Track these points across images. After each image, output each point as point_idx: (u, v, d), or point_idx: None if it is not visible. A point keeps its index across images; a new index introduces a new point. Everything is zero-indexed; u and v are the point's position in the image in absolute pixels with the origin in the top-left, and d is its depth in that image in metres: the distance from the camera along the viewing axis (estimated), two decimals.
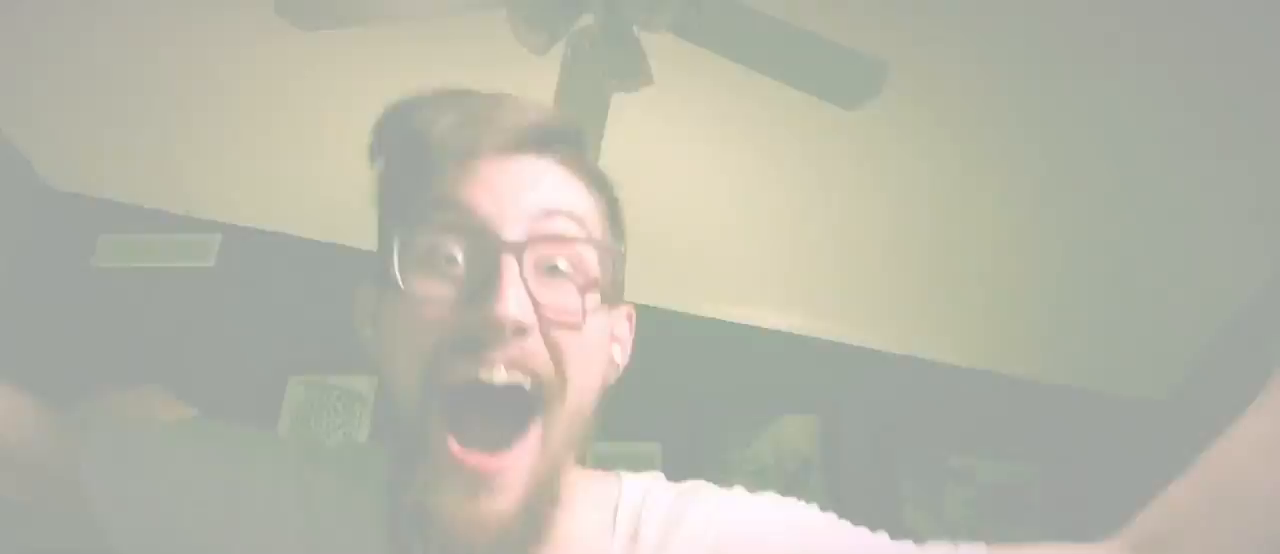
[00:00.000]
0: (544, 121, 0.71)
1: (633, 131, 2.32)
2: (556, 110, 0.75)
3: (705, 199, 2.80)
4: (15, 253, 3.34)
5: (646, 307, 3.57)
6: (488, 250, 0.63)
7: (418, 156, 0.70)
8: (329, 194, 3.08)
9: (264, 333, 3.20)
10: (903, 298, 2.95)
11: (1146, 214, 2.41)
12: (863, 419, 3.02)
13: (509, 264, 0.62)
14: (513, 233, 0.64)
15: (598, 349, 0.69)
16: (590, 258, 0.67)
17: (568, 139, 0.72)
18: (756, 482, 0.92)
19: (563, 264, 0.65)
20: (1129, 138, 2.22)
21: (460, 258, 0.65)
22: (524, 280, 0.63)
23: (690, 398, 3.08)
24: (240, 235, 3.36)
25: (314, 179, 3.01)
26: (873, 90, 1.93)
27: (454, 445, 0.61)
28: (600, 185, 0.73)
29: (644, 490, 0.77)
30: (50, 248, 3.34)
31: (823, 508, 0.81)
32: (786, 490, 0.85)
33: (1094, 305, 2.72)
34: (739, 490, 0.81)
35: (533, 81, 2.11)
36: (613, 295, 0.73)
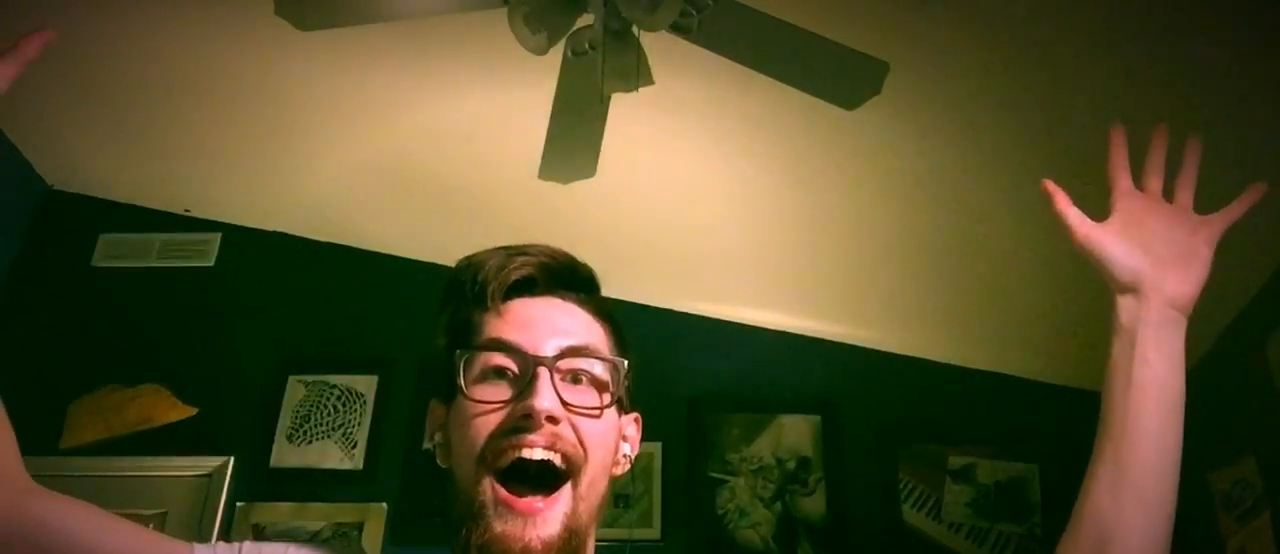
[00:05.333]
0: (563, 269, 0.95)
1: (632, 131, 2.32)
2: (573, 258, 0.98)
3: (704, 199, 2.80)
4: (16, 252, 3.34)
5: (647, 306, 3.59)
6: (528, 366, 0.86)
7: (472, 303, 0.93)
8: (328, 194, 3.09)
9: (264, 332, 3.21)
10: (903, 297, 2.95)
11: None
12: (863, 419, 3.02)
13: (543, 374, 0.85)
14: (546, 352, 0.87)
15: (610, 437, 0.90)
16: (602, 371, 0.90)
17: (582, 282, 0.95)
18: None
19: (582, 377, 0.89)
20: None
21: (509, 373, 0.87)
22: (554, 386, 0.85)
23: (690, 397, 3.08)
24: (240, 235, 3.36)
25: (313, 179, 3.01)
26: (873, 90, 1.93)
27: (505, 494, 0.83)
28: (607, 315, 0.95)
29: None
30: (51, 247, 3.34)
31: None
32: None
33: (1094, 305, 2.72)
34: None
35: (533, 81, 2.12)
36: (624, 403, 0.94)
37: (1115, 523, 0.91)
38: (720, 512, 2.93)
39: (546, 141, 2.12)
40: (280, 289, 3.29)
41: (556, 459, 0.84)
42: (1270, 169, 2.16)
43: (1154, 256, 0.96)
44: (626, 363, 0.92)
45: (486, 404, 0.86)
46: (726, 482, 2.97)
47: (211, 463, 3.01)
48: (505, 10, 1.81)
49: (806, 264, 2.96)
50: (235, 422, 3.07)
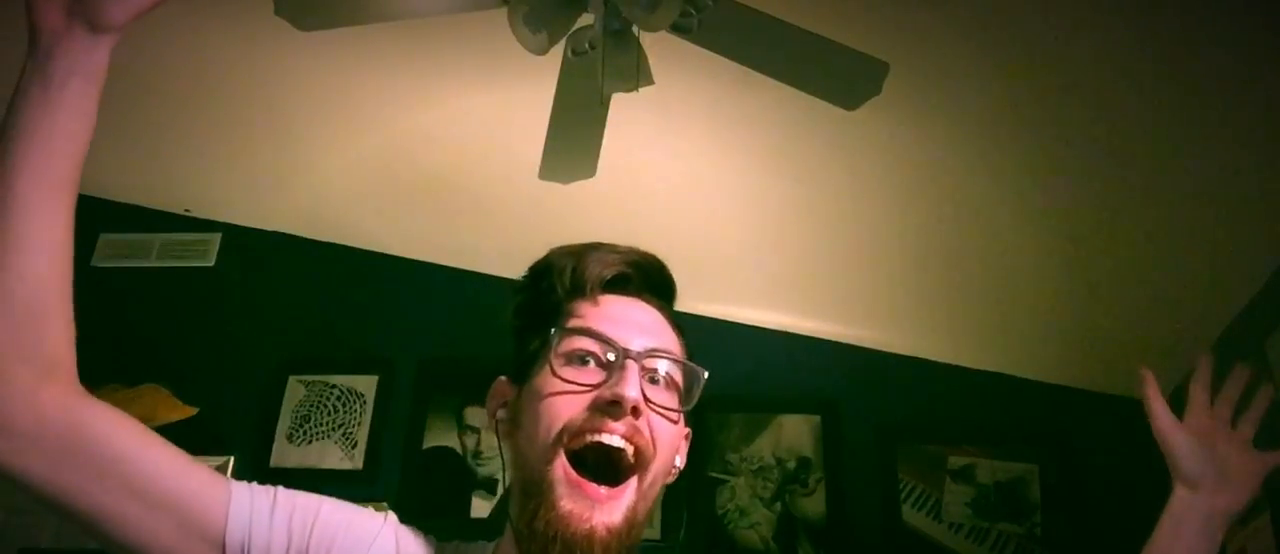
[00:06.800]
0: (655, 273, 1.00)
1: (632, 132, 2.32)
2: (664, 265, 1.01)
3: (704, 198, 2.80)
4: None
5: None
6: (617, 355, 0.90)
7: (568, 290, 0.96)
8: (328, 194, 3.09)
9: (264, 332, 3.21)
10: (903, 297, 2.95)
11: (1147, 213, 2.41)
12: (863, 419, 3.02)
13: (632, 366, 0.89)
14: (635, 347, 0.91)
15: (676, 441, 0.95)
16: (680, 377, 0.95)
17: (668, 289, 1.01)
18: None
19: (661, 379, 0.93)
20: (1130, 137, 2.22)
21: (592, 362, 0.90)
22: (639, 381, 0.89)
23: None
24: (240, 235, 3.36)
25: (313, 179, 3.01)
26: (873, 90, 1.93)
27: (577, 475, 0.85)
28: (680, 326, 1.00)
29: None
30: None
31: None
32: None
33: (1094, 305, 2.72)
34: None
35: (533, 81, 2.12)
36: (684, 415, 0.98)
37: None
38: (720, 511, 2.93)
39: (546, 142, 2.12)
40: (280, 289, 3.29)
41: (630, 450, 0.87)
42: (1271, 167, 2.16)
43: (1217, 469, 1.06)
44: (701, 374, 0.96)
45: (573, 385, 0.88)
46: (726, 481, 2.97)
47: (211, 463, 3.01)
48: (505, 10, 1.81)
49: (806, 264, 2.96)
50: (235, 422, 3.07)
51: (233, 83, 2.69)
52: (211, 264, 3.33)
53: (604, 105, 2.01)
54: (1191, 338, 2.73)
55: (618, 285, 0.97)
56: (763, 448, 3.03)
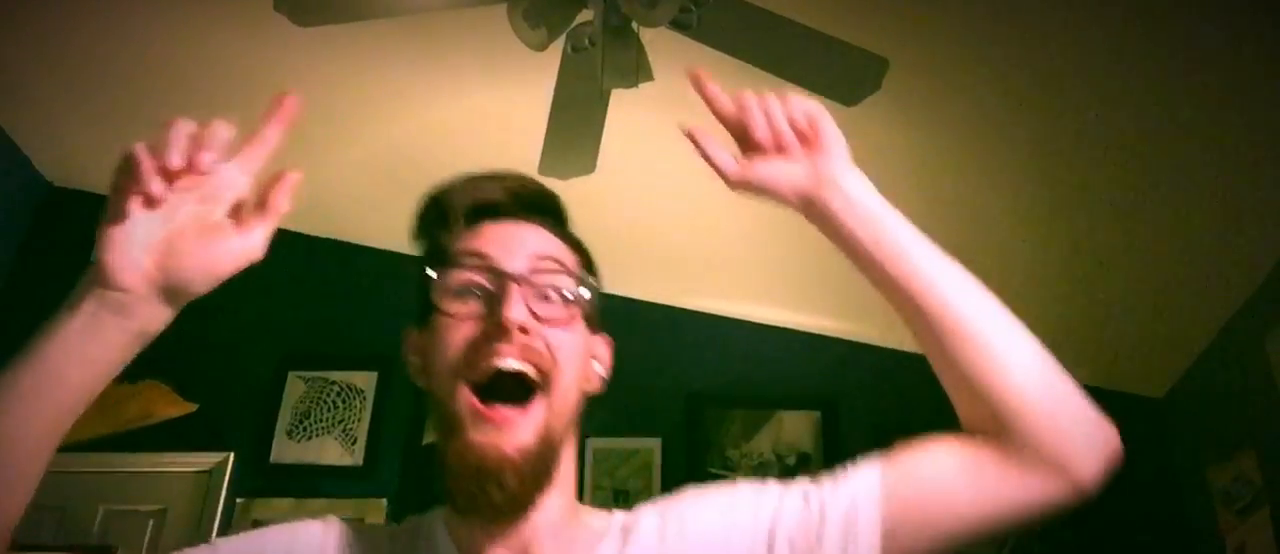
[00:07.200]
0: (531, 195, 0.99)
1: (632, 128, 2.32)
2: (541, 185, 1.01)
3: (705, 195, 2.80)
4: (17, 249, 3.34)
5: (647, 302, 3.57)
6: (499, 280, 0.88)
7: (445, 226, 0.98)
8: (327, 190, 3.09)
9: (263, 328, 3.21)
10: None
11: (1146, 212, 2.41)
12: (863, 415, 3.02)
13: (513, 287, 0.87)
14: (516, 267, 0.89)
15: (580, 350, 0.92)
16: (570, 286, 0.91)
17: (550, 209, 0.99)
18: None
19: (551, 293, 0.90)
20: (1129, 136, 2.22)
21: (481, 289, 0.89)
22: (524, 300, 0.87)
23: (690, 393, 3.08)
24: None
25: (312, 175, 3.01)
26: (873, 86, 1.93)
27: (480, 405, 0.84)
28: (575, 242, 0.98)
29: (634, 514, 0.94)
30: (50, 245, 3.34)
31: None
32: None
33: (1094, 305, 2.72)
34: (714, 488, 0.96)
35: (532, 78, 2.12)
36: (593, 322, 0.95)
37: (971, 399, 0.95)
38: None
39: (546, 137, 2.12)
40: (280, 285, 3.29)
41: (530, 371, 0.86)
42: (1271, 163, 2.16)
43: (807, 171, 0.96)
44: (595, 283, 0.93)
45: (460, 318, 0.88)
46: (726, 477, 2.97)
47: (211, 459, 3.01)
48: (505, 6, 1.81)
49: (806, 260, 2.96)
50: (235, 418, 3.07)
51: (232, 79, 2.69)
52: None
53: (603, 101, 2.01)
54: (1190, 335, 2.73)
55: (492, 212, 0.96)
56: (762, 444, 3.03)
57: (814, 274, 3.01)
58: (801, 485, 0.92)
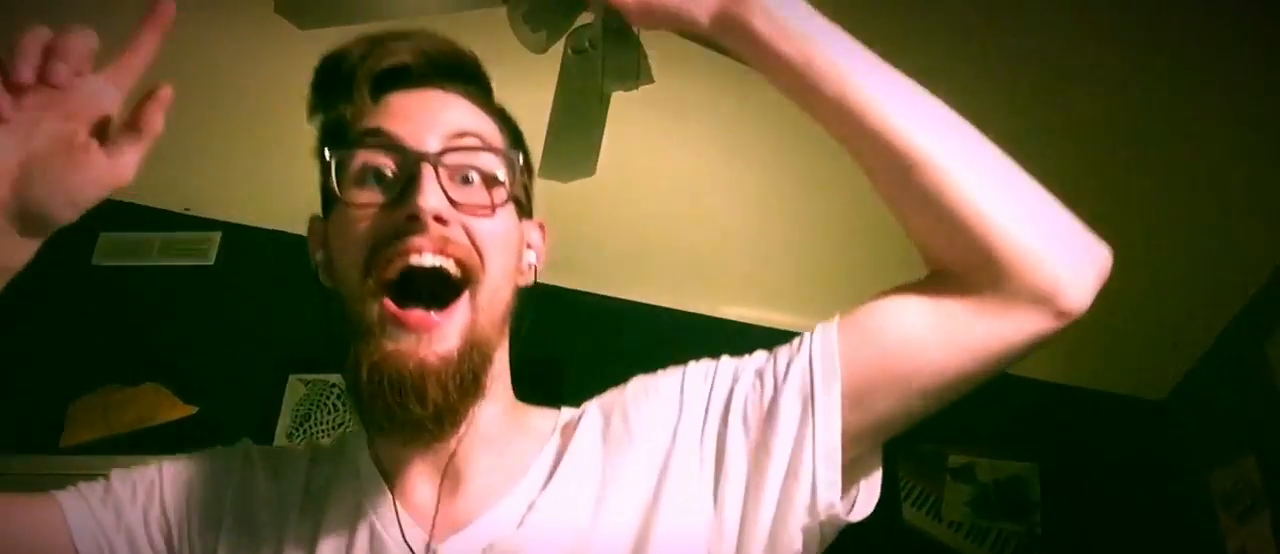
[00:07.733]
0: (447, 57, 0.84)
1: (633, 130, 2.32)
2: (456, 44, 0.86)
3: (705, 198, 2.80)
4: None
5: (647, 305, 3.58)
6: (409, 162, 0.75)
7: (347, 97, 0.84)
8: None
9: (264, 331, 3.21)
10: None
11: (1146, 213, 2.41)
12: None
13: (427, 170, 0.74)
14: (429, 146, 0.76)
15: (510, 239, 0.80)
16: (495, 166, 0.79)
17: (468, 72, 0.85)
18: None
19: (473, 174, 0.78)
20: (1129, 135, 2.22)
21: (388, 172, 0.77)
22: (440, 184, 0.75)
23: None
24: (240, 234, 3.36)
25: (313, 177, 3.01)
26: None
27: (396, 309, 0.73)
28: (498, 109, 0.86)
29: (579, 410, 0.85)
30: (50, 245, 3.34)
31: None
32: None
33: (1094, 305, 2.72)
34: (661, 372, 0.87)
35: (533, 80, 2.12)
36: (523, 206, 0.85)
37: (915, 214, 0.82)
38: None
39: (546, 140, 2.12)
40: (280, 288, 3.29)
41: (450, 266, 0.74)
42: (1272, 165, 2.16)
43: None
44: (522, 156, 0.83)
45: (365, 208, 0.76)
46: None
47: None
48: (505, 9, 1.81)
49: (807, 263, 2.96)
50: (235, 421, 3.07)
51: (232, 81, 2.69)
52: (211, 263, 3.32)
53: (604, 104, 2.01)
54: (1192, 338, 2.73)
55: (399, 79, 0.82)
56: None
57: (815, 277, 3.01)
58: (756, 360, 0.83)
